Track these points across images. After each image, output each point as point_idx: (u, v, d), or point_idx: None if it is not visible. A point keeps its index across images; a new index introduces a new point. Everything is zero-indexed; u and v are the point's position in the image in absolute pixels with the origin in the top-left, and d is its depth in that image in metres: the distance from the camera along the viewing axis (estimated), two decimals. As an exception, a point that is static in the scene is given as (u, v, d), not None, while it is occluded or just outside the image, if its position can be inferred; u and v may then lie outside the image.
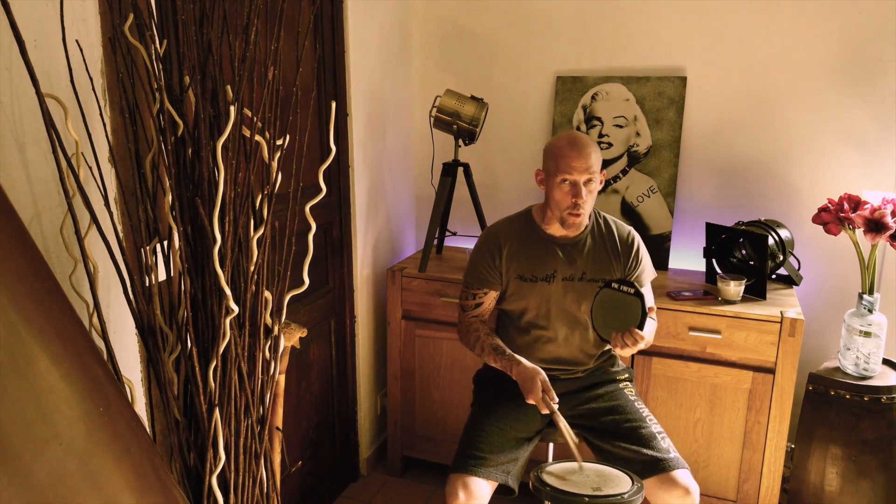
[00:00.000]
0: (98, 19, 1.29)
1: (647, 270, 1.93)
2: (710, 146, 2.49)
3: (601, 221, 1.92)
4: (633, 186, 2.53)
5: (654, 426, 1.78)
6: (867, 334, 2.04)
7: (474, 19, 2.68)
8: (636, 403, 1.85)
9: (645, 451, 1.71)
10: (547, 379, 1.72)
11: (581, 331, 1.88)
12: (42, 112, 1.01)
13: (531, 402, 1.70)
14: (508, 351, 1.82)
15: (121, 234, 1.33)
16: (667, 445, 1.73)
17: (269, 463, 1.37)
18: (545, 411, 1.68)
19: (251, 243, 1.22)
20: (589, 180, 1.75)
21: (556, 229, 1.87)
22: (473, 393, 2.03)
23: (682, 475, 1.66)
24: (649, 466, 1.67)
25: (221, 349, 1.18)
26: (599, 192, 2.56)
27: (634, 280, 1.86)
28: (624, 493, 1.48)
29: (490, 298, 1.91)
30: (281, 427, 1.48)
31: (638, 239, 1.92)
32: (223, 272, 1.16)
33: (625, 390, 1.90)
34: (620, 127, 2.52)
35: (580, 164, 1.73)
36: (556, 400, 1.68)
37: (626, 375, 1.97)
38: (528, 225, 1.90)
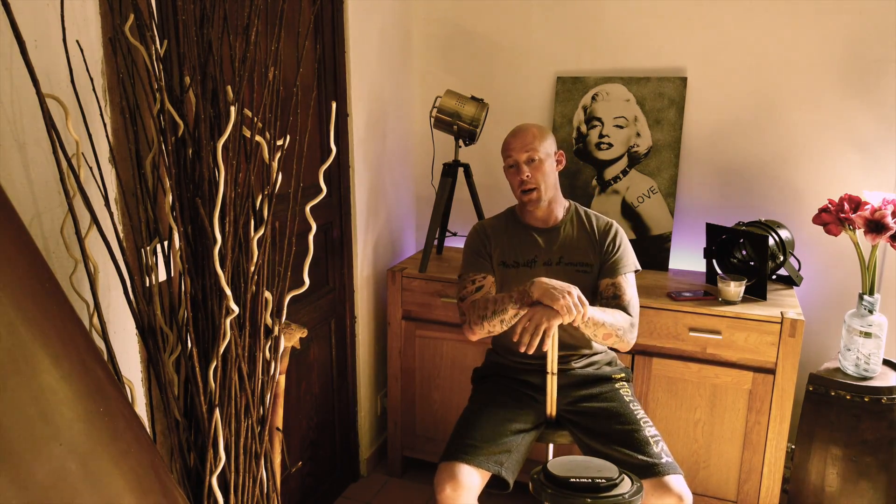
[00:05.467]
0: (98, 20, 1.29)
1: (625, 258, 1.89)
2: (711, 147, 2.48)
3: (581, 213, 1.99)
4: (634, 187, 2.53)
5: (650, 430, 1.76)
6: (867, 335, 2.04)
7: (474, 19, 2.68)
8: (631, 405, 1.83)
9: (638, 455, 1.69)
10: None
11: None
12: (42, 112, 1.01)
13: (559, 307, 1.61)
14: (515, 288, 1.78)
15: (121, 235, 1.33)
16: (659, 450, 1.71)
17: (269, 463, 1.37)
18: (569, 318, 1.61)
19: (251, 244, 1.22)
20: (531, 159, 1.85)
21: (533, 219, 1.96)
22: (471, 390, 2.03)
23: (676, 481, 1.64)
24: (642, 471, 1.66)
25: (222, 350, 1.18)
26: (600, 193, 2.58)
27: (610, 266, 1.88)
28: (624, 494, 1.48)
29: (489, 283, 1.92)
30: (281, 427, 1.48)
31: (616, 227, 1.95)
32: (223, 272, 1.16)
33: (620, 391, 1.88)
34: (621, 127, 2.52)
35: (517, 143, 1.86)
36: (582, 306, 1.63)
37: (623, 375, 1.95)
38: (511, 218, 2.02)
